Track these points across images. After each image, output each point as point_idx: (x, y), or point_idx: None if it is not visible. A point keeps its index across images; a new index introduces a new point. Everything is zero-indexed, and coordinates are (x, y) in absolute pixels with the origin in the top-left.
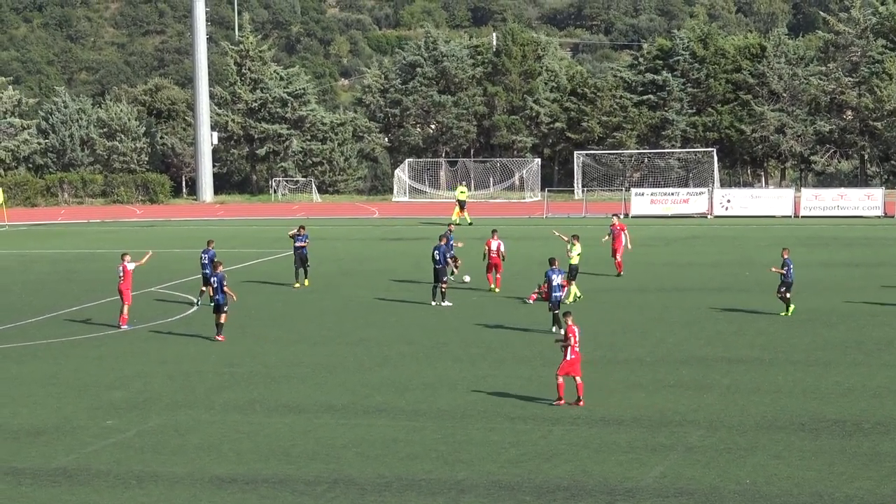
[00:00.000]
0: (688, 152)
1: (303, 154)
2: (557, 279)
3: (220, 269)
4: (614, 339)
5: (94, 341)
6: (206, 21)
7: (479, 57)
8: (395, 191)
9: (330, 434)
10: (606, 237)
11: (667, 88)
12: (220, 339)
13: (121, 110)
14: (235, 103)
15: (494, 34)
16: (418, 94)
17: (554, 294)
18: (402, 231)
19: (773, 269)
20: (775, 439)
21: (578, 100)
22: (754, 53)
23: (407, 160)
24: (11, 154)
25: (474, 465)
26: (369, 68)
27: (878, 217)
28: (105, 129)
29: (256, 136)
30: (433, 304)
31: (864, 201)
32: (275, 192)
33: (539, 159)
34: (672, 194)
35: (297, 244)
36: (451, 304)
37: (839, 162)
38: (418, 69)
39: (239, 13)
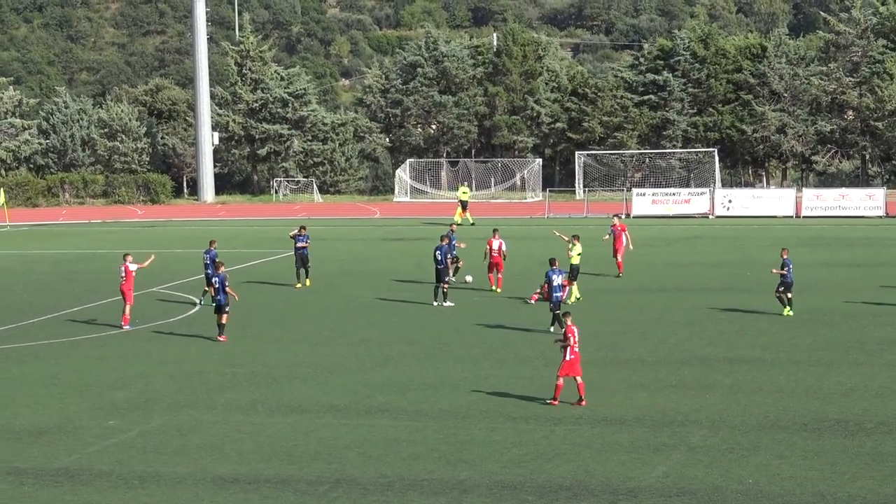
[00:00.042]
0: (689, 152)
1: (304, 154)
2: (558, 279)
3: (222, 269)
4: (616, 340)
5: (95, 341)
6: (207, 21)
7: (479, 57)
8: (396, 191)
9: (332, 434)
10: (607, 236)
11: (668, 88)
12: (221, 339)
13: (122, 110)
14: (236, 103)
15: (495, 34)
16: (419, 95)
17: (554, 294)
18: (403, 231)
19: (775, 271)
20: (778, 439)
21: (579, 100)
22: (755, 53)
23: (408, 160)
24: (12, 154)
25: (476, 465)
26: (370, 68)
27: (880, 217)
28: (106, 130)
29: (257, 137)
30: (435, 304)
31: (866, 201)
32: (276, 192)
33: (540, 159)
34: (673, 194)
35: (298, 244)
36: (452, 304)
37: (840, 162)
38: (419, 69)
39: (239, 13)
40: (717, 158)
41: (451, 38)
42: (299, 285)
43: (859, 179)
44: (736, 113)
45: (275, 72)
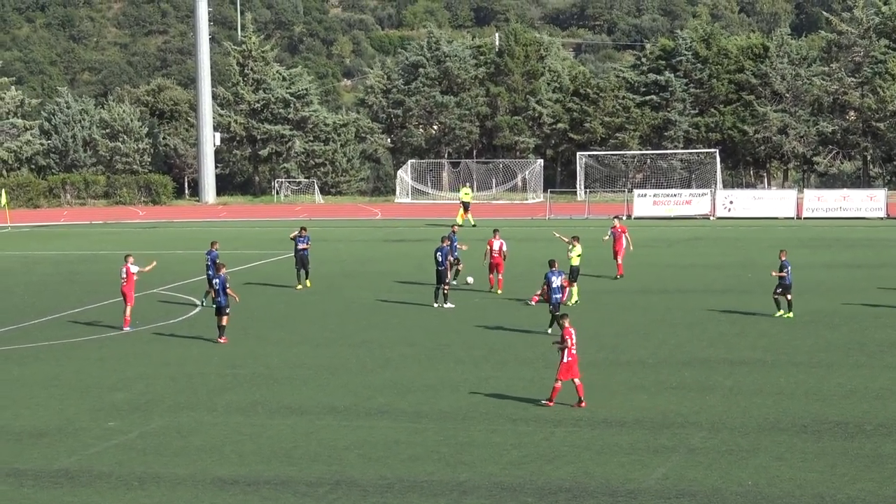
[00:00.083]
0: (690, 153)
1: (305, 155)
2: (557, 281)
3: (223, 271)
4: (616, 341)
5: (96, 343)
6: (209, 21)
7: (481, 57)
8: (397, 192)
9: (332, 436)
10: (606, 237)
11: (669, 89)
12: (222, 340)
13: (123, 111)
14: (238, 104)
15: (497, 34)
16: (421, 95)
17: (554, 296)
18: (404, 232)
19: (774, 274)
20: (777, 441)
21: (581, 100)
22: (757, 54)
23: (409, 161)
24: (14, 155)
25: (476, 466)
26: (372, 69)
27: (881, 218)
28: (108, 130)
29: (259, 137)
30: (435, 305)
31: (867, 202)
32: (277, 193)
33: (541, 160)
34: (675, 195)
35: (299, 246)
36: (453, 305)
37: (842, 163)
38: (421, 69)
39: (241, 13)
40: (718, 159)
41: (453, 39)
42: (300, 286)
43: (861, 181)
44: (737, 113)
45: (277, 72)
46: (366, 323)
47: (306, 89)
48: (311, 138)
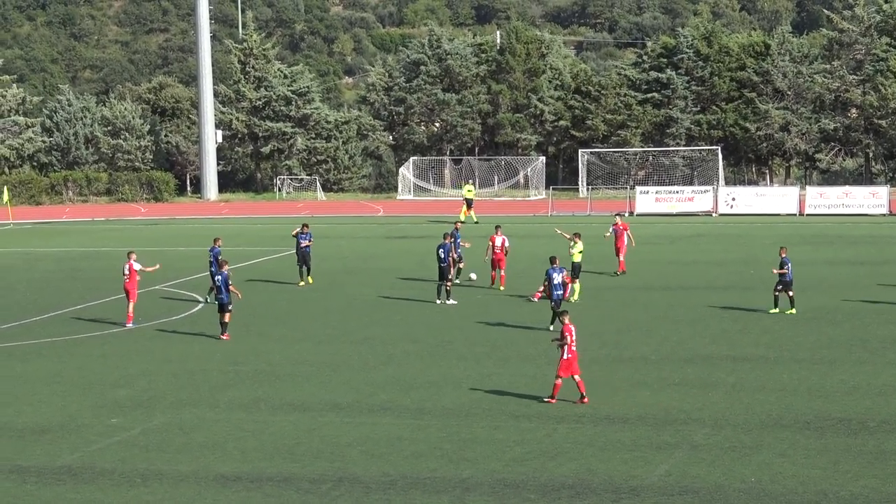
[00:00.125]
0: (692, 150)
1: (307, 152)
2: (558, 277)
3: (226, 267)
4: (619, 338)
5: (98, 339)
6: (210, 19)
7: (483, 55)
8: (399, 189)
9: (335, 432)
10: (608, 233)
11: (671, 86)
12: (224, 337)
13: (125, 108)
14: (240, 101)
15: (498, 32)
16: (422, 93)
17: (555, 292)
18: (406, 229)
19: (775, 271)
20: (780, 437)
21: (583, 98)
22: (758, 51)
23: (411, 158)
24: (16, 152)
25: (479, 463)
26: (373, 66)
27: (883, 215)
28: (109, 128)
29: (261, 135)
30: (438, 302)
31: (869, 199)
32: (279, 190)
33: (543, 157)
34: (677, 192)
35: (301, 243)
36: (455, 302)
37: (844, 160)
38: (422, 67)
39: (243, 11)
40: (720, 156)
41: (455, 36)
42: (302, 283)
43: (863, 177)
44: (739, 111)
45: (278, 70)
46: (368, 319)
47: (308, 87)
48: (313, 135)
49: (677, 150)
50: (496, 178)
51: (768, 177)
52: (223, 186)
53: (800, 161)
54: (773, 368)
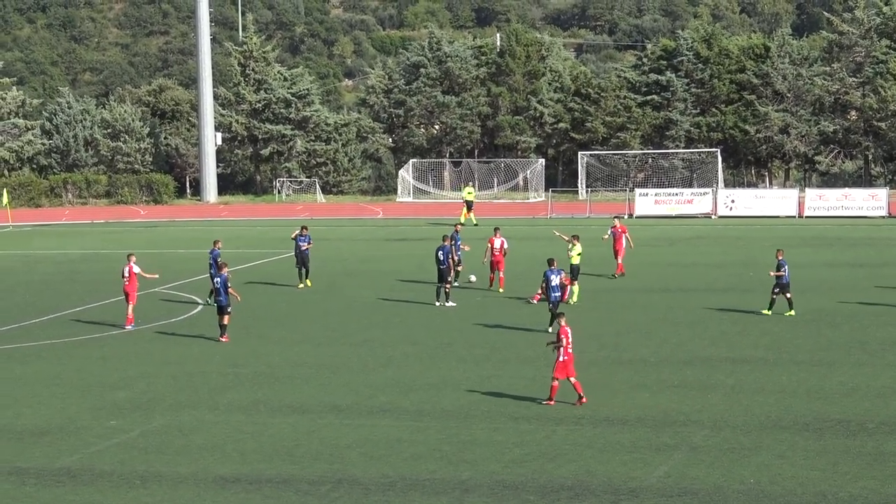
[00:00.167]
0: (692, 153)
1: (307, 154)
2: (556, 279)
3: (225, 270)
4: (618, 340)
5: (98, 342)
6: (210, 22)
7: (482, 57)
8: (399, 191)
9: (334, 434)
10: (606, 236)
11: (671, 89)
12: (223, 339)
13: (125, 111)
14: (239, 104)
15: (498, 35)
16: (422, 95)
17: (552, 294)
18: (406, 232)
19: (771, 273)
20: (779, 439)
21: (582, 100)
22: (758, 54)
23: (411, 161)
24: (15, 155)
25: (478, 465)
26: (373, 69)
27: (883, 217)
28: (109, 130)
29: (260, 137)
30: (437, 304)
31: (869, 201)
32: (279, 192)
33: (543, 160)
34: (676, 194)
35: (300, 245)
36: (455, 304)
37: (843, 162)
38: (422, 70)
39: (243, 14)
40: (720, 159)
41: (455, 39)
42: (301, 286)
43: (862, 180)
44: (739, 113)
45: (278, 72)
46: (367, 322)
47: (307, 89)
48: (313, 138)
49: (677, 153)
50: (496, 180)
51: (768, 179)
52: (223, 189)
53: (799, 163)
54: (772, 370)
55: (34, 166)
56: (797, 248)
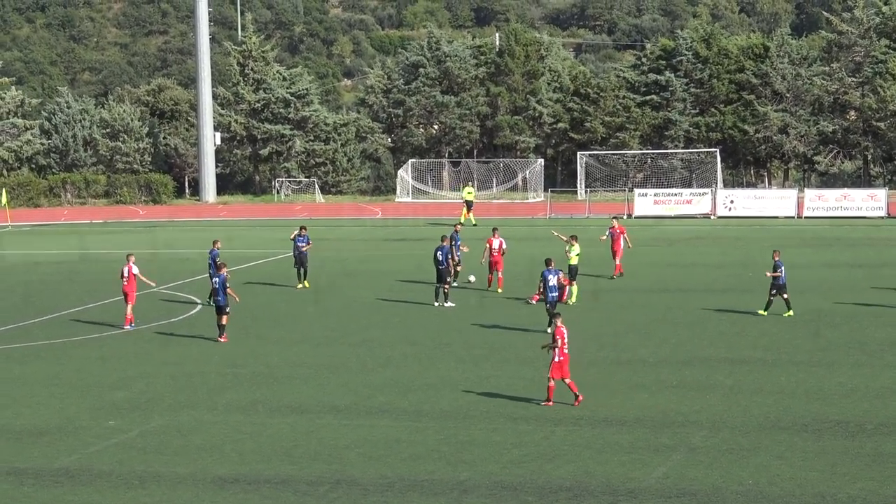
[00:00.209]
0: (691, 153)
1: (306, 154)
2: (553, 279)
3: (224, 270)
4: (617, 340)
5: (96, 342)
6: (209, 21)
7: (482, 57)
8: (398, 191)
9: (332, 434)
10: (604, 236)
11: (670, 89)
12: (222, 340)
13: (124, 111)
14: (238, 104)
15: (497, 34)
16: (421, 95)
17: (550, 294)
18: (405, 232)
19: (768, 274)
20: (778, 440)
21: (581, 100)
22: (757, 53)
23: (410, 161)
24: (14, 154)
25: (477, 465)
26: (372, 69)
27: (882, 218)
28: (108, 130)
29: (259, 137)
30: (436, 304)
31: (868, 202)
32: (278, 192)
33: (542, 160)
34: (675, 195)
35: (299, 245)
36: (453, 304)
37: (842, 162)
38: (421, 69)
39: (242, 13)
40: (719, 159)
41: (454, 39)
42: (300, 286)
43: (861, 180)
44: (738, 113)
45: (277, 72)
46: (366, 322)
47: (307, 89)
48: (312, 138)
49: (676, 153)
50: (495, 180)
51: (767, 179)
52: (221, 189)
53: (798, 163)
54: (771, 371)
55: (33, 166)
56: (796, 248)
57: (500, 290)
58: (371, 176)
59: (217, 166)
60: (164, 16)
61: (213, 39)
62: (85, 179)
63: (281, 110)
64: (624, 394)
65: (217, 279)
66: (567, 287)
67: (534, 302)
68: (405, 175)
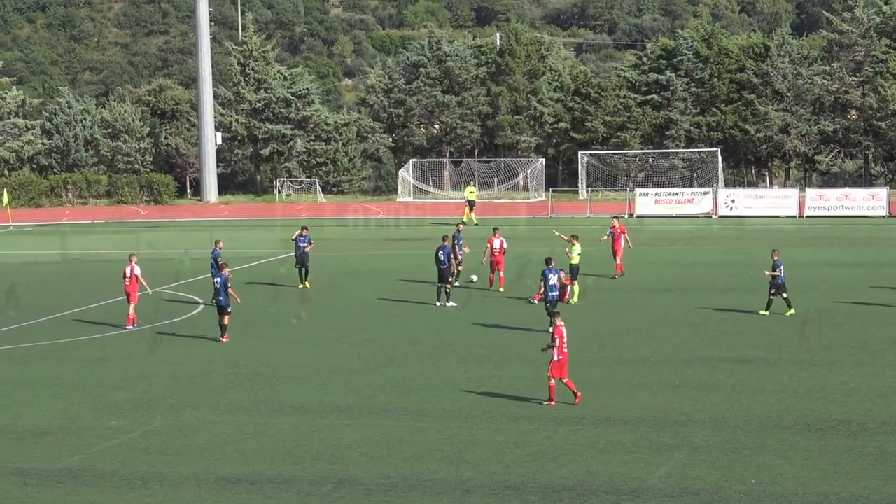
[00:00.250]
0: (692, 152)
1: (307, 154)
2: (553, 278)
3: (226, 270)
4: (619, 340)
5: (98, 342)
6: (210, 21)
7: (482, 57)
8: (399, 191)
9: (335, 434)
10: (605, 237)
11: (670, 88)
12: (224, 339)
13: (125, 111)
14: (239, 103)
15: (498, 34)
16: (422, 95)
17: (550, 293)
18: (406, 231)
19: (767, 273)
20: (780, 439)
21: (582, 100)
22: (758, 53)
23: (411, 160)
24: (16, 154)
25: (479, 465)
26: (373, 68)
27: (883, 217)
28: (109, 130)
29: (260, 137)
30: (437, 304)
31: (869, 201)
32: (279, 192)
33: (543, 159)
34: (676, 194)
35: (300, 245)
36: (455, 304)
37: (843, 162)
38: (422, 69)
39: (242, 13)
40: (720, 158)
41: (455, 38)
42: (302, 286)
43: (862, 179)
44: (739, 113)
45: (278, 72)
46: (368, 322)
47: (307, 89)
48: (313, 137)
49: (677, 152)
50: (496, 180)
51: (768, 178)
52: (223, 188)
53: (799, 163)
54: (773, 370)
55: (34, 166)
56: (797, 247)
57: (501, 290)
58: (372, 176)
59: (218, 166)
60: (164, 16)
61: (213, 39)
62: (86, 179)
63: (282, 110)
64: (626, 393)
65: (218, 279)
66: (568, 286)
67: (536, 302)
68: (406, 175)
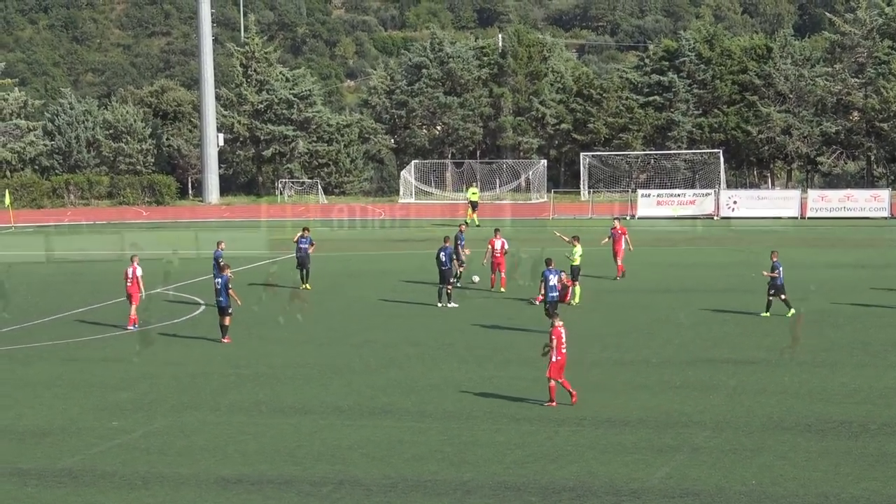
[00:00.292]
0: (694, 153)
1: (309, 155)
2: (553, 279)
3: (227, 271)
4: (620, 340)
5: (99, 342)
6: (212, 23)
7: (484, 58)
8: (401, 192)
9: (335, 435)
10: (606, 239)
11: (673, 89)
12: (225, 340)
13: (127, 112)
14: (241, 105)
15: (500, 35)
16: (424, 96)
17: (550, 294)
18: (407, 232)
19: (766, 274)
20: (781, 440)
21: (584, 101)
22: (760, 54)
23: (413, 161)
24: (18, 156)
25: (480, 466)
26: (375, 70)
27: (885, 218)
28: (111, 131)
29: (262, 138)
30: (439, 305)
31: (871, 202)
32: (281, 193)
33: (545, 160)
34: (678, 195)
35: (301, 247)
36: (456, 305)
37: (845, 163)
38: (424, 70)
39: (245, 15)
40: (722, 159)
41: (457, 40)
42: (303, 287)
43: (864, 180)
44: (741, 114)
45: (280, 73)
46: (369, 322)
47: (309, 90)
48: (315, 139)
49: (679, 154)
50: (498, 181)
51: (770, 180)
52: (224, 190)
53: (801, 164)
54: (775, 371)
55: (36, 167)
56: (799, 248)
57: (503, 290)
58: (374, 177)
59: (220, 167)
60: (166, 17)
61: (215, 41)
62: (88, 180)
63: (284, 111)
64: (627, 394)
65: (220, 280)
66: (570, 287)
67: (537, 303)
68: (408, 176)
